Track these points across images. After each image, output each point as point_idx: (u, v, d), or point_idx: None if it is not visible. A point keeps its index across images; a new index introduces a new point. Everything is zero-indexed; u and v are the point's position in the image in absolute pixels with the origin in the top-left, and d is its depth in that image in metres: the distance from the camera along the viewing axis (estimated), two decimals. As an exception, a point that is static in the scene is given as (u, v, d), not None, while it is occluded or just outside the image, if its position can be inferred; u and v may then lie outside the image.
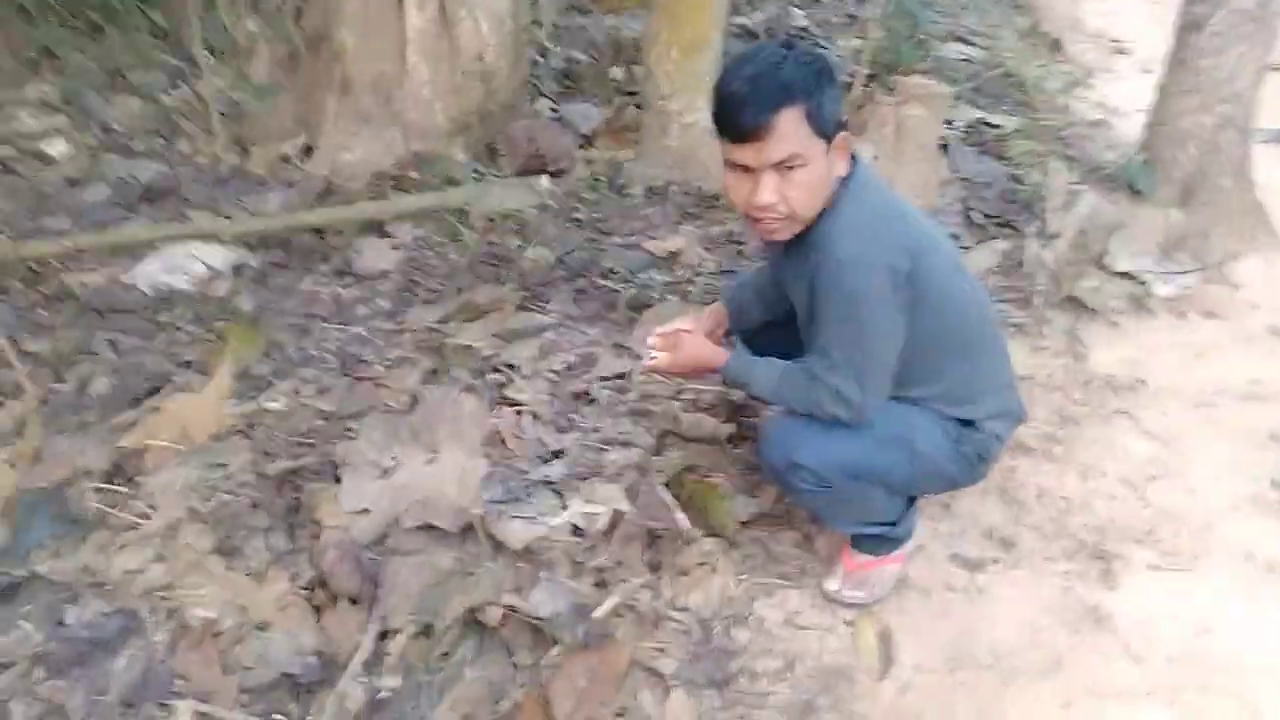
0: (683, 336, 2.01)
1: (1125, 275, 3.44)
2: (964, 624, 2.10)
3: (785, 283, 1.99)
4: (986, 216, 3.47)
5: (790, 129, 1.63)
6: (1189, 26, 3.63)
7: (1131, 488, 2.54)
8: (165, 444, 2.21)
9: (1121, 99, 5.56)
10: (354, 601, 1.94)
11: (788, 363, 1.86)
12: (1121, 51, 6.89)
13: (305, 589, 1.97)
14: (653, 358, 2.01)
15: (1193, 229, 3.63)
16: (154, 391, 2.40)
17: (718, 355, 1.96)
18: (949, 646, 2.04)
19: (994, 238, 3.39)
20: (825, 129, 1.66)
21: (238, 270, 3.04)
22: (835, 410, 1.77)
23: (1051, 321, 3.20)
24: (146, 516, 2.05)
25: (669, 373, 2.04)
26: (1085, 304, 3.29)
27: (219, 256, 3.05)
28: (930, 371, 1.87)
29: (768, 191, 1.68)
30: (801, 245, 1.81)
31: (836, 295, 1.71)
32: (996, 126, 4.09)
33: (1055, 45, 6.01)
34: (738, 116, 1.63)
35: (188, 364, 2.55)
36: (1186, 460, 2.66)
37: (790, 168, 1.66)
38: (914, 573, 2.22)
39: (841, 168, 1.74)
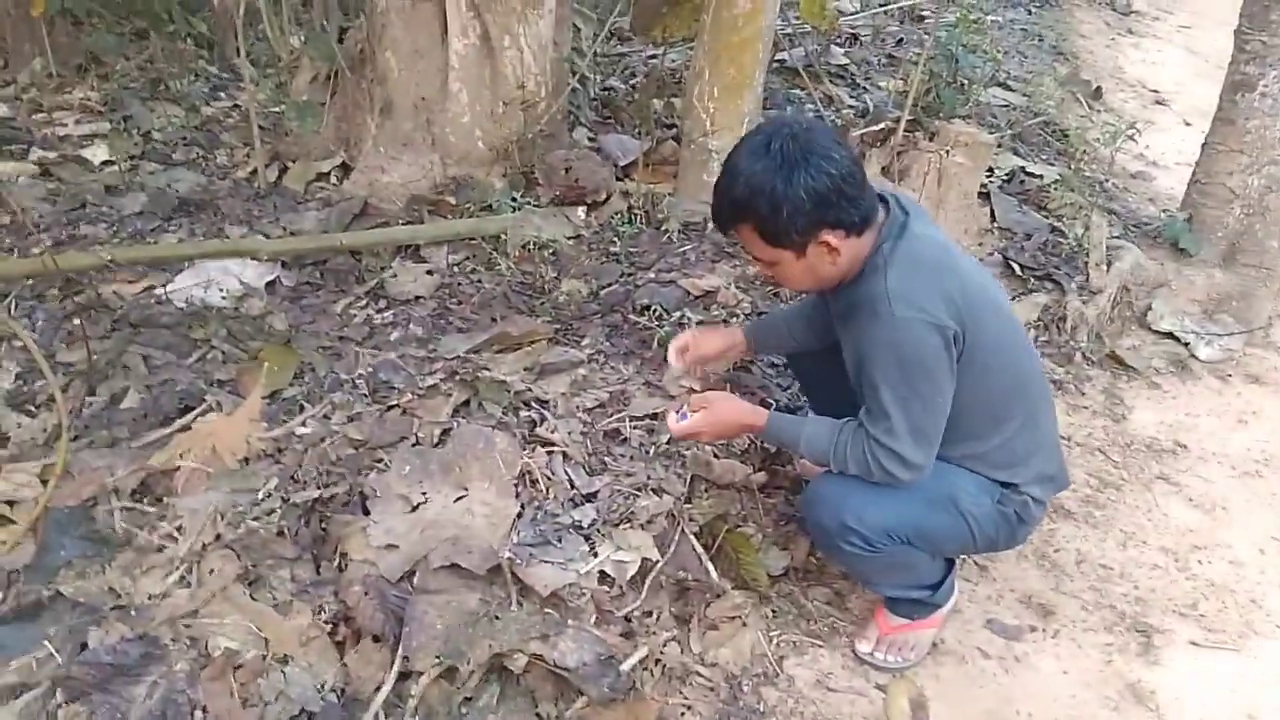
0: (713, 396, 1.96)
1: (1168, 335, 3.39)
2: (1000, 694, 2.05)
3: (835, 327, 1.95)
4: (1026, 269, 3.42)
5: (749, 239, 1.72)
6: (1238, 86, 3.59)
7: (1174, 558, 2.48)
8: (195, 465, 2.18)
9: (1161, 151, 5.52)
10: (377, 639, 1.89)
11: (836, 423, 1.82)
12: (1161, 103, 6.86)
13: (329, 623, 1.93)
14: (683, 417, 1.95)
15: (1236, 290, 3.58)
16: (186, 410, 2.38)
17: (756, 415, 1.91)
18: (984, 716, 1.99)
19: (1034, 290, 3.35)
20: (783, 241, 1.68)
21: (271, 288, 3.03)
22: (894, 472, 1.73)
23: (1092, 379, 3.15)
24: (173, 539, 2.02)
25: (701, 437, 1.97)
26: (1126, 363, 3.23)
27: (254, 273, 3.04)
28: (975, 432, 1.83)
29: (759, 270, 1.86)
30: (846, 297, 1.80)
31: (888, 355, 1.68)
32: (1038, 176, 4.05)
33: (1096, 94, 5.97)
34: (711, 213, 1.79)
35: (220, 383, 2.53)
36: (1230, 531, 2.60)
37: (766, 263, 1.76)
38: (949, 637, 2.16)
39: (839, 259, 1.71)
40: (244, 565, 2.01)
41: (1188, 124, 6.04)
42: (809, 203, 1.63)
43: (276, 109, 4.01)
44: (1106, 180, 4.44)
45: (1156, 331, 3.41)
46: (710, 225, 3.38)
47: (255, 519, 2.09)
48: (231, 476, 2.22)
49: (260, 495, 2.18)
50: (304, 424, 2.41)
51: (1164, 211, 4.10)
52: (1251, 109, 3.53)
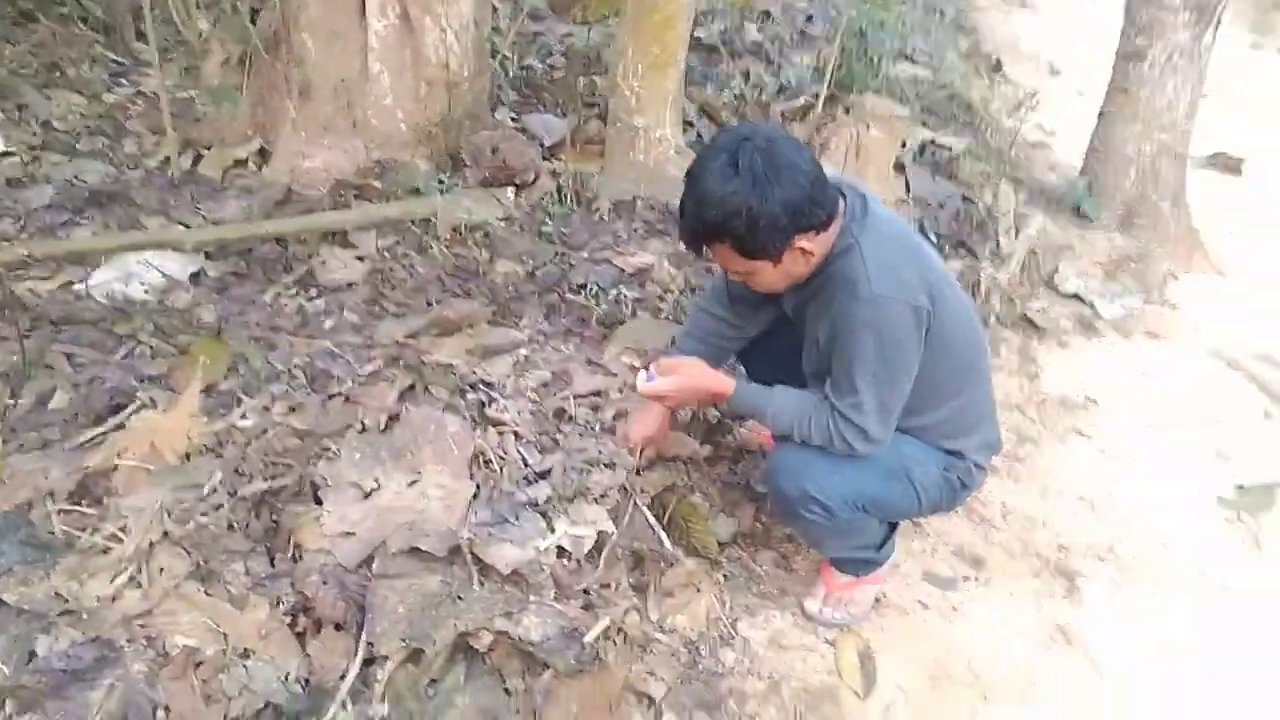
0: (683, 361, 2.00)
1: (1073, 296, 3.58)
2: (942, 643, 2.16)
3: (796, 313, 1.98)
4: (941, 237, 3.56)
5: (724, 255, 1.73)
6: (1129, 56, 3.80)
7: (1090, 505, 2.65)
8: (134, 463, 2.13)
9: (1057, 120, 5.78)
10: (339, 628, 1.89)
11: (802, 393, 1.88)
12: (1056, 73, 7.16)
13: (288, 615, 1.91)
14: (651, 378, 1.99)
15: (1135, 252, 3.80)
16: (118, 408, 2.31)
17: (724, 384, 1.95)
18: (929, 665, 2.10)
19: (949, 258, 3.49)
20: (760, 254, 1.70)
21: (196, 279, 2.95)
22: (856, 446, 1.80)
23: (1006, 341, 3.31)
24: (118, 540, 1.96)
25: (667, 400, 2.00)
26: (1036, 324, 3.41)
27: (176, 265, 2.95)
28: (930, 404, 1.91)
29: (735, 279, 1.86)
30: (814, 281, 1.83)
31: (868, 336, 1.72)
32: (947, 148, 4.20)
33: (996, 66, 6.20)
34: (679, 233, 1.79)
35: (151, 379, 2.46)
36: (1139, 478, 2.78)
37: (742, 274, 1.78)
38: (890, 591, 2.27)
39: (812, 259, 1.75)
40: (195, 561, 1.97)
41: (1081, 94, 6.32)
42: (785, 217, 1.65)
43: (185, 94, 3.87)
44: (1011, 149, 4.64)
45: (1063, 294, 3.60)
46: (640, 202, 3.42)
47: (203, 514, 2.06)
48: (173, 473, 2.17)
49: (206, 490, 2.13)
50: (244, 416, 2.37)
51: (1065, 179, 4.31)
52: (1142, 78, 3.74)
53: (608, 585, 2.06)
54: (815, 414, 1.82)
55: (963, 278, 3.45)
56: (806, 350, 1.94)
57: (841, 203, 1.79)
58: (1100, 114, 3.96)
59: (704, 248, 1.75)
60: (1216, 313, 3.76)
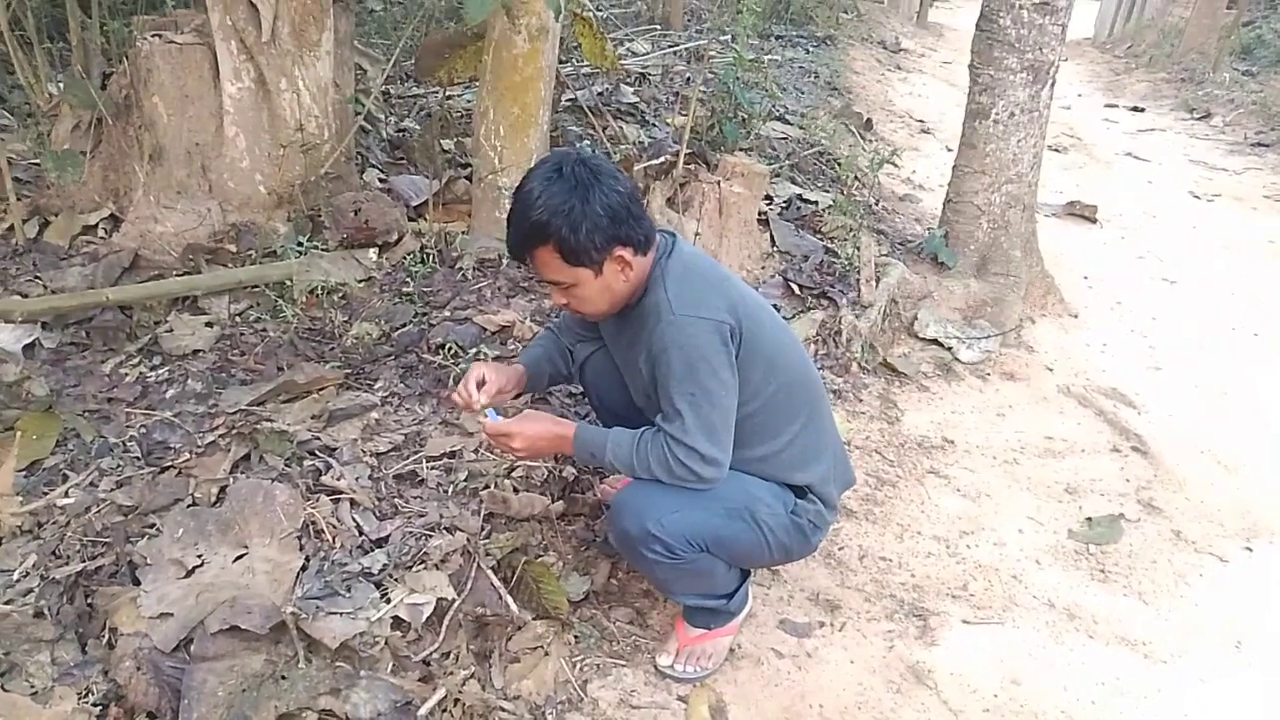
0: (525, 413, 1.98)
1: (933, 341, 3.69)
2: (794, 690, 2.15)
3: (618, 354, 2.07)
4: (804, 288, 3.64)
5: (546, 261, 1.78)
6: (975, 114, 3.99)
7: (945, 544, 2.69)
8: (-67, 550, 1.99)
9: (927, 175, 6.04)
10: (153, 716, 1.78)
11: (640, 429, 1.88)
12: (926, 131, 7.50)
13: (98, 705, 1.79)
14: (494, 418, 1.94)
15: (990, 297, 3.94)
16: (-76, 491, 2.16)
17: (564, 426, 1.93)
18: (780, 714, 2.08)
19: (811, 308, 3.57)
20: (583, 260, 1.76)
21: (30, 351, 2.81)
22: (696, 469, 1.79)
23: (868, 387, 3.38)
24: (-93, 635, 1.82)
25: (514, 442, 1.93)
26: (897, 369, 3.49)
27: (9, 336, 2.81)
28: (768, 432, 1.94)
29: (555, 298, 1.88)
30: (630, 316, 1.90)
31: (674, 355, 1.76)
32: (813, 202, 4.34)
33: (867, 125, 6.45)
34: (507, 245, 1.83)
35: (-33, 458, 2.31)
36: (993, 515, 2.85)
37: (564, 286, 1.82)
38: (745, 641, 2.26)
39: (630, 274, 1.82)
40: (-4, 654, 1.84)
41: (949, 149, 6.61)
42: (606, 219, 1.73)
43: (36, 161, 3.74)
44: (876, 203, 4.81)
45: (923, 339, 3.71)
46: (505, 260, 3.42)
47: (7, 601, 1.93)
48: (-20, 558, 2.04)
49: (15, 575, 2.01)
50: (66, 494, 2.25)
51: (926, 229, 4.48)
52: (988, 134, 3.93)
53: (448, 654, 1.99)
54: (650, 442, 1.82)
55: (825, 326, 3.54)
56: (633, 390, 2.01)
57: (657, 238, 1.88)
58: (953, 168, 4.14)
59: (527, 255, 1.80)
60: (1069, 353, 3.92)
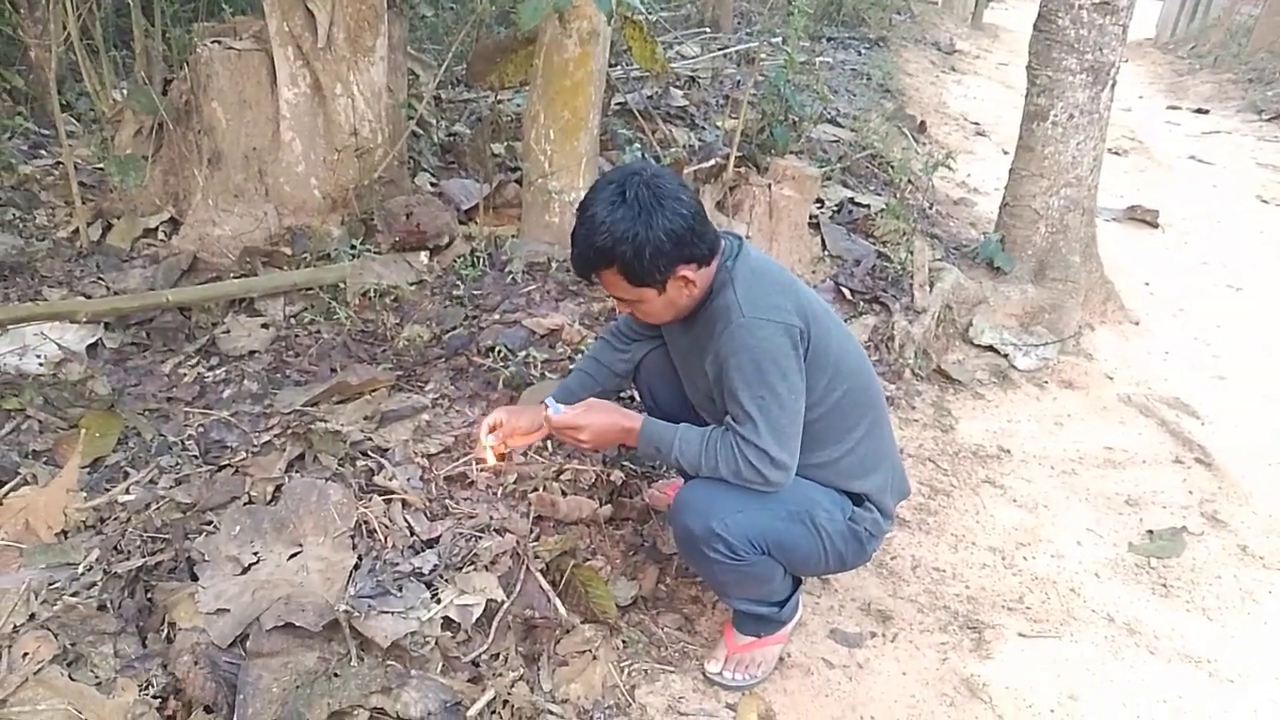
0: (590, 401, 1.96)
1: (988, 348, 3.62)
2: (845, 701, 2.11)
3: (678, 355, 2.06)
4: (856, 293, 3.60)
5: (611, 281, 1.79)
6: (1033, 116, 3.91)
7: (1000, 556, 2.63)
8: (6, 542, 2.04)
9: (982, 178, 5.93)
10: (210, 710, 1.81)
11: (708, 428, 1.87)
12: (981, 134, 7.38)
13: (158, 698, 1.83)
14: (557, 411, 1.91)
15: (1048, 303, 3.86)
16: (-1, 485, 2.23)
17: (631, 419, 1.90)
18: (829, 725, 2.05)
19: (864, 313, 3.52)
20: (646, 281, 1.76)
21: (94, 351, 2.88)
22: (765, 472, 1.77)
23: (921, 394, 3.32)
24: (-21, 625, 1.87)
25: (581, 434, 1.91)
26: (952, 376, 3.43)
27: (74, 337, 2.89)
28: (830, 438, 1.93)
29: (619, 308, 1.90)
30: (696, 319, 1.89)
31: (745, 358, 1.76)
32: (865, 206, 4.28)
33: (920, 127, 6.37)
34: (571, 261, 1.82)
35: (36, 454, 2.38)
36: (1050, 527, 2.77)
37: (629, 301, 1.83)
38: (795, 650, 2.22)
39: (694, 290, 1.81)
40: (61, 645, 1.88)
41: (1005, 152, 6.51)
42: (669, 243, 1.72)
43: (101, 165, 3.84)
44: (930, 207, 4.73)
45: (978, 345, 3.64)
46: (555, 264, 3.43)
47: (74, 594, 1.98)
48: (48, 551, 2.09)
49: (80, 569, 2.06)
50: (127, 491, 2.30)
51: (981, 234, 4.39)
52: (1046, 136, 3.85)
53: (497, 656, 2.00)
54: (720, 442, 1.81)
55: (877, 332, 3.49)
56: (690, 391, 2.02)
57: (722, 244, 1.86)
58: (1010, 171, 4.06)
59: (593, 275, 1.80)
60: (1130, 361, 3.82)
